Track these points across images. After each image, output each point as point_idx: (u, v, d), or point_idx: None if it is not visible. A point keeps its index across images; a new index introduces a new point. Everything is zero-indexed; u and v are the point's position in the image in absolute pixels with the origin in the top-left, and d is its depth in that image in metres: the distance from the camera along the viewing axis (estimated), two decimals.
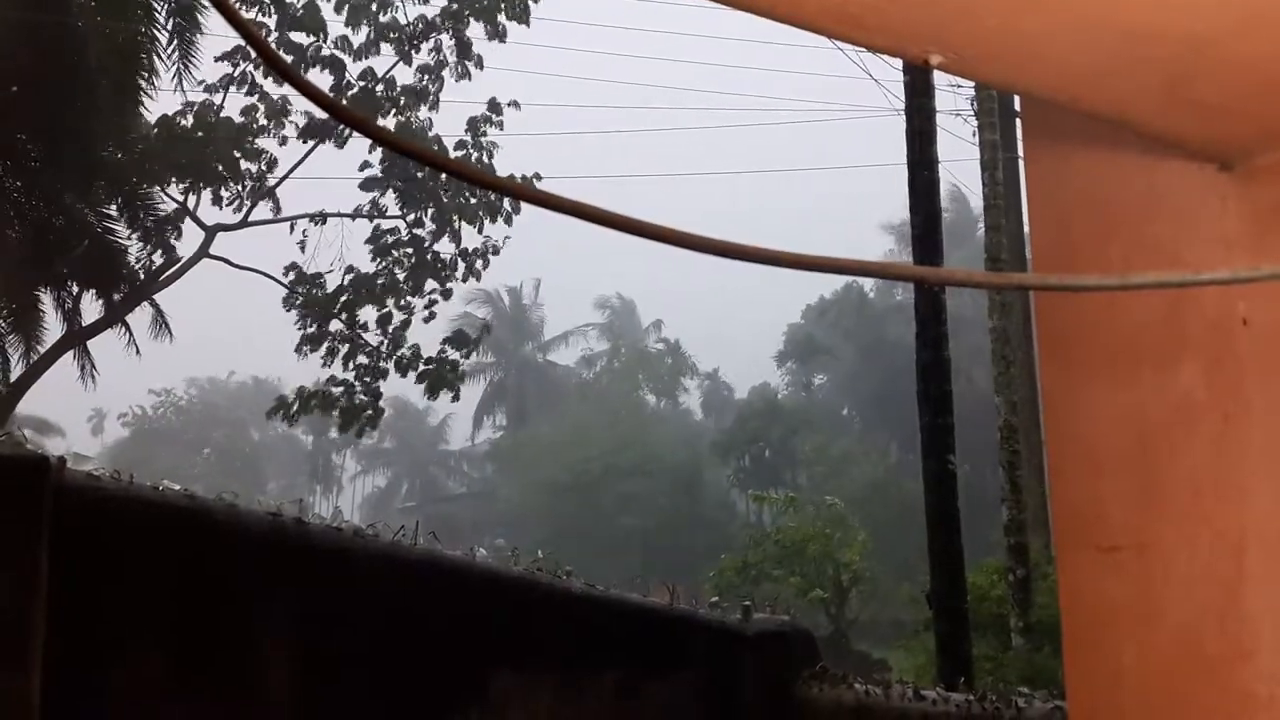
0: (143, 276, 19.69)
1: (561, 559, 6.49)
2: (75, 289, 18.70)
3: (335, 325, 21.09)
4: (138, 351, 20.38)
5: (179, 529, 4.44)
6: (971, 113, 16.50)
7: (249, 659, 4.53)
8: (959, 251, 41.43)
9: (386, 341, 21.10)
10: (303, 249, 21.06)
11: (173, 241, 19.81)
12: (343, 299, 20.97)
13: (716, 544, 35.62)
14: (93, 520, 4.18)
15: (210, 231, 20.74)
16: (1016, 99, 8.57)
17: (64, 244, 17.74)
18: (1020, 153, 13.96)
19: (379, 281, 21.19)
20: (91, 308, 19.17)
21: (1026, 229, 2.69)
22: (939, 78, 10.10)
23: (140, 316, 20.36)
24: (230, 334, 66.76)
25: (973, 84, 13.97)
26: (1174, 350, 2.10)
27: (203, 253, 20.70)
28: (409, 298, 21.32)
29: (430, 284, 21.50)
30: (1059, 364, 2.39)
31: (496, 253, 21.89)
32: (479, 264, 21.77)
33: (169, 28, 17.83)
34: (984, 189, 14.88)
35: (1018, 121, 14.51)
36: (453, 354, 21.65)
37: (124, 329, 20.04)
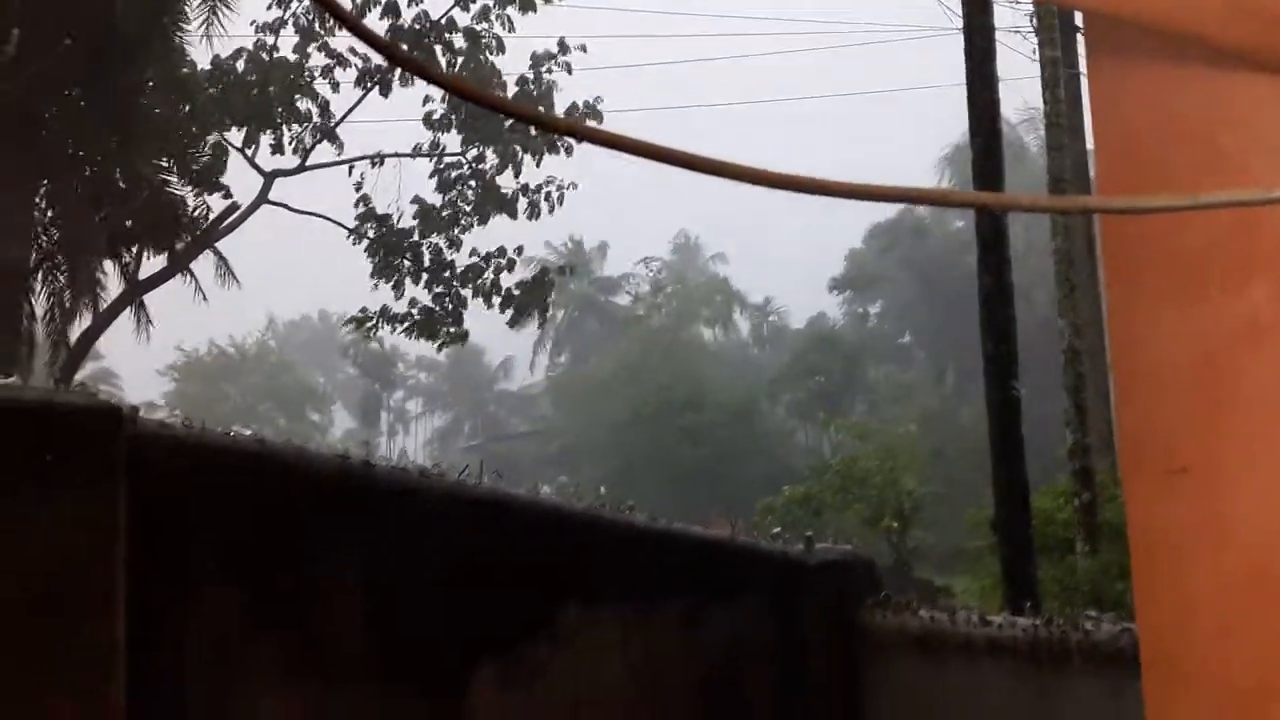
0: (203, 226, 19.96)
1: (623, 494, 6.57)
2: (136, 244, 19.01)
3: (405, 262, 21.24)
4: (205, 298, 20.77)
5: (250, 474, 4.55)
6: (1031, 29, 16.04)
7: (322, 599, 4.66)
8: (1020, 171, 40.60)
9: (463, 270, 21.26)
10: (358, 189, 21.15)
11: (230, 188, 20.02)
12: (413, 229, 21.10)
13: (777, 476, 35.69)
14: (166, 468, 4.30)
15: (269, 177, 20.90)
16: (1078, 14, 8.33)
17: (121, 198, 18.02)
18: (1083, 70, 13.57)
19: (444, 214, 21.32)
20: (153, 261, 19.53)
21: (1090, 147, 2.63)
22: None
23: (205, 266, 20.72)
24: (294, 277, 67.54)
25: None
26: (1242, 269, 2.06)
27: (262, 198, 20.89)
28: (477, 227, 21.44)
29: (496, 218, 21.58)
30: (1125, 285, 2.35)
31: (561, 201, 21.85)
32: (544, 205, 21.77)
33: None
34: (1046, 107, 14.51)
35: (1079, 37, 14.09)
36: (529, 283, 21.91)
37: (189, 277, 20.39)
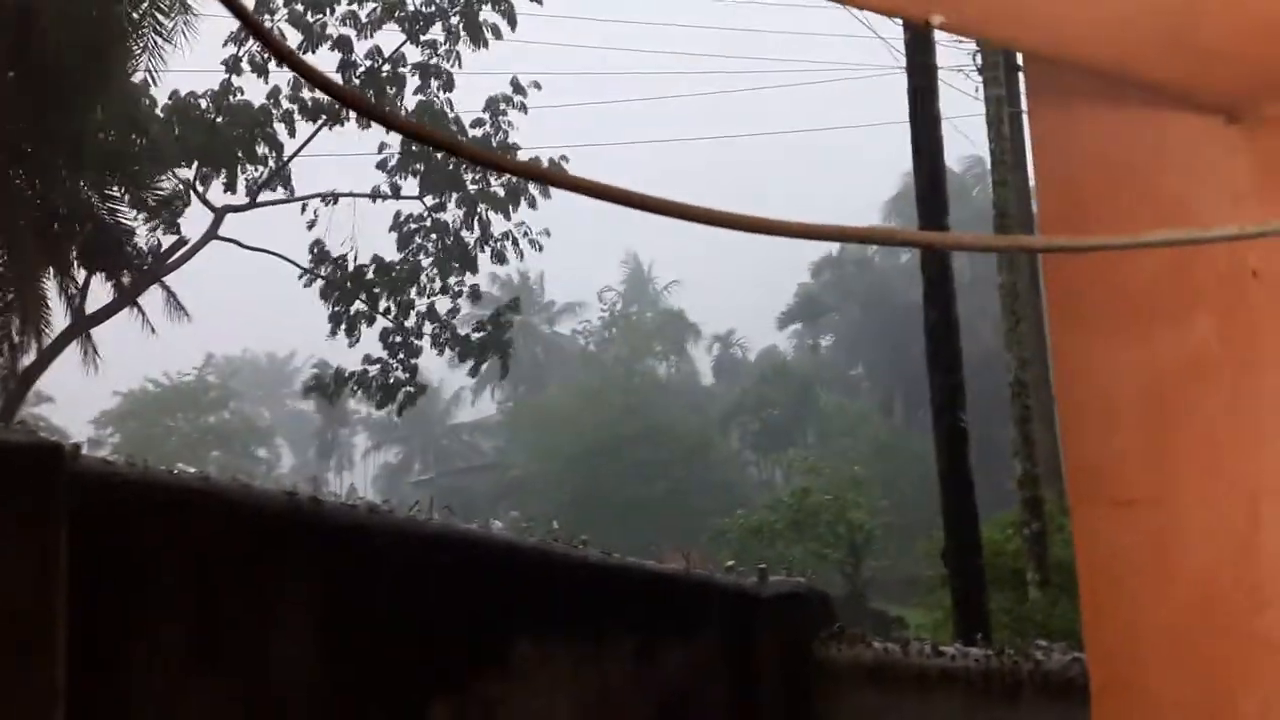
0: (151, 259, 19.70)
1: (576, 528, 6.53)
2: (83, 274, 18.72)
3: (359, 305, 21.14)
4: (153, 330, 20.47)
5: (195, 512, 4.46)
6: (975, 67, 16.35)
7: (268, 638, 4.57)
8: (965, 208, 41.27)
9: (417, 321, 21.23)
10: (310, 227, 21.02)
11: (180, 224, 19.82)
12: (365, 279, 21.00)
13: (731, 509, 35.72)
14: (108, 506, 4.21)
15: (219, 213, 20.71)
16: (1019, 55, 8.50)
17: (69, 229, 17.75)
18: (1025, 109, 13.83)
19: (403, 268, 21.22)
20: (101, 292, 19.23)
21: (1033, 183, 2.69)
22: (941, 33, 10.01)
23: (154, 300, 20.45)
24: (243, 313, 66.81)
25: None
26: (1185, 305, 2.10)
27: (212, 234, 20.69)
28: (435, 285, 21.37)
29: (458, 275, 21.57)
30: (1069, 321, 2.39)
31: (539, 248, 21.98)
32: (511, 252, 21.89)
33: (156, 6, 17.70)
34: (990, 145, 14.78)
35: (1022, 75, 14.39)
36: (488, 328, 21.84)
37: (136, 311, 20.10)
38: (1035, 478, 13.61)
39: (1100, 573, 2.29)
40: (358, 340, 20.97)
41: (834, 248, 52.28)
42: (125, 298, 19.52)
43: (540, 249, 22.11)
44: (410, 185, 21.66)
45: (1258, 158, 1.98)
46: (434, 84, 20.83)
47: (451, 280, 21.51)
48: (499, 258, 21.96)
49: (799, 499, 26.81)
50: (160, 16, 17.70)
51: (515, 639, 5.16)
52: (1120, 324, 2.22)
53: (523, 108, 21.48)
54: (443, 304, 21.58)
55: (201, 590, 4.43)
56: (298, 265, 21.28)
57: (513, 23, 20.36)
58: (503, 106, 21.41)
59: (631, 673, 5.51)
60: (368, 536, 4.97)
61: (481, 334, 21.84)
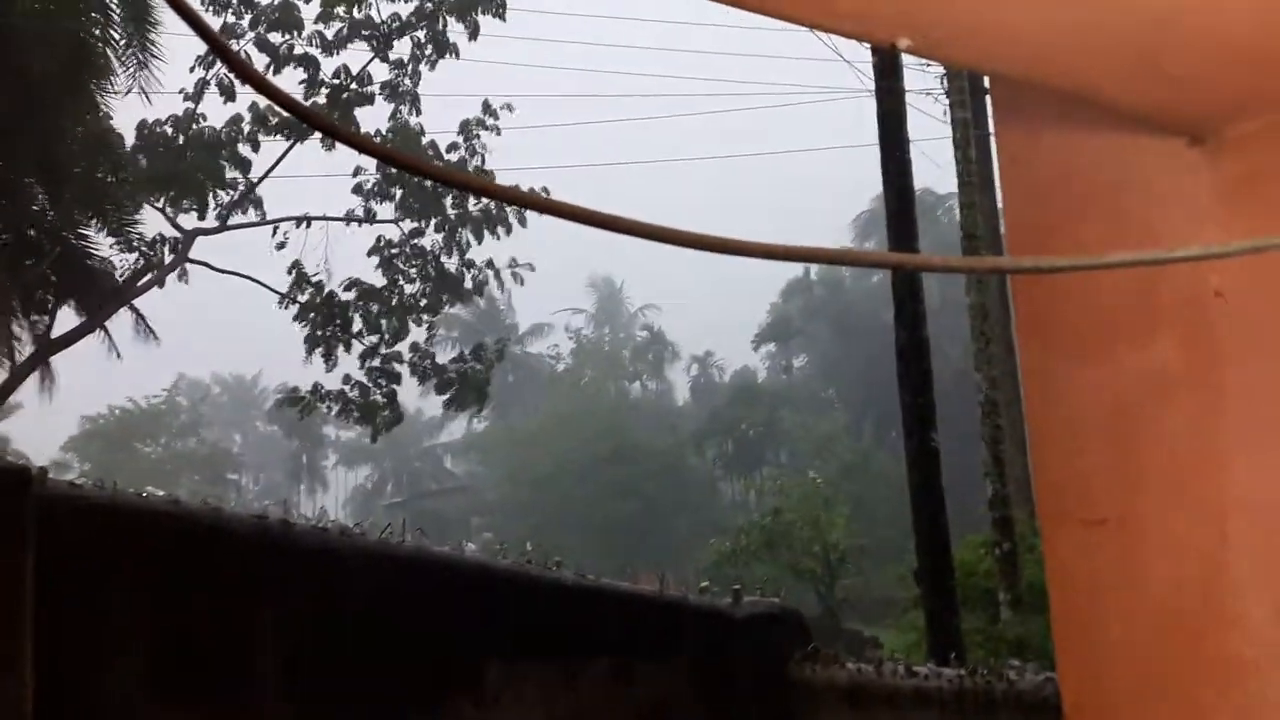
0: (120, 284, 19.55)
1: (549, 550, 6.51)
2: (51, 300, 18.55)
3: (337, 330, 21.01)
4: (118, 355, 20.29)
5: (164, 536, 4.41)
6: (942, 91, 16.53)
7: (240, 662, 4.52)
8: (933, 229, 41.64)
9: (393, 346, 21.14)
10: (280, 249, 20.91)
11: (150, 249, 19.67)
12: (344, 303, 20.86)
13: (704, 528, 35.72)
14: (77, 530, 4.15)
15: (189, 236, 20.58)
16: (986, 77, 8.59)
17: (36, 255, 17.59)
18: (992, 131, 13.97)
19: (386, 294, 21.12)
20: (68, 317, 19.05)
21: (1001, 204, 2.71)
22: (908, 57, 10.10)
23: (123, 325, 20.30)
24: (215, 337, 66.43)
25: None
26: (1149, 325, 2.12)
27: (182, 257, 20.54)
28: (422, 315, 21.32)
29: (446, 304, 21.58)
30: (1037, 341, 2.40)
31: (521, 282, 22.03)
32: (494, 284, 21.92)
33: (125, 30, 17.60)
34: (958, 167, 14.92)
35: (989, 98, 14.54)
36: (472, 364, 21.75)
37: (104, 336, 19.93)
38: (1006, 498, 13.68)
39: (1070, 592, 2.30)
40: (334, 365, 20.84)
41: (805, 269, 52.70)
42: (93, 322, 19.35)
43: (522, 282, 22.18)
44: (387, 210, 21.63)
45: (1220, 179, 2.01)
46: (404, 106, 20.83)
47: (441, 311, 21.56)
48: (479, 290, 22.01)
49: (772, 519, 26.82)
50: (133, 39, 17.61)
51: (488, 661, 5.13)
52: (1087, 344, 2.24)
53: (496, 130, 21.50)
54: (418, 331, 21.58)
55: (170, 614, 4.37)
56: (272, 289, 21.16)
57: (475, 35, 20.36)
58: (475, 131, 21.43)
59: (606, 695, 5.47)
60: (339, 559, 4.92)
61: (460, 366, 21.74)
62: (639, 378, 60.46)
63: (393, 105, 20.77)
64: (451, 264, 21.47)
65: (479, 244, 21.44)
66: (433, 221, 21.30)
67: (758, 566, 25.15)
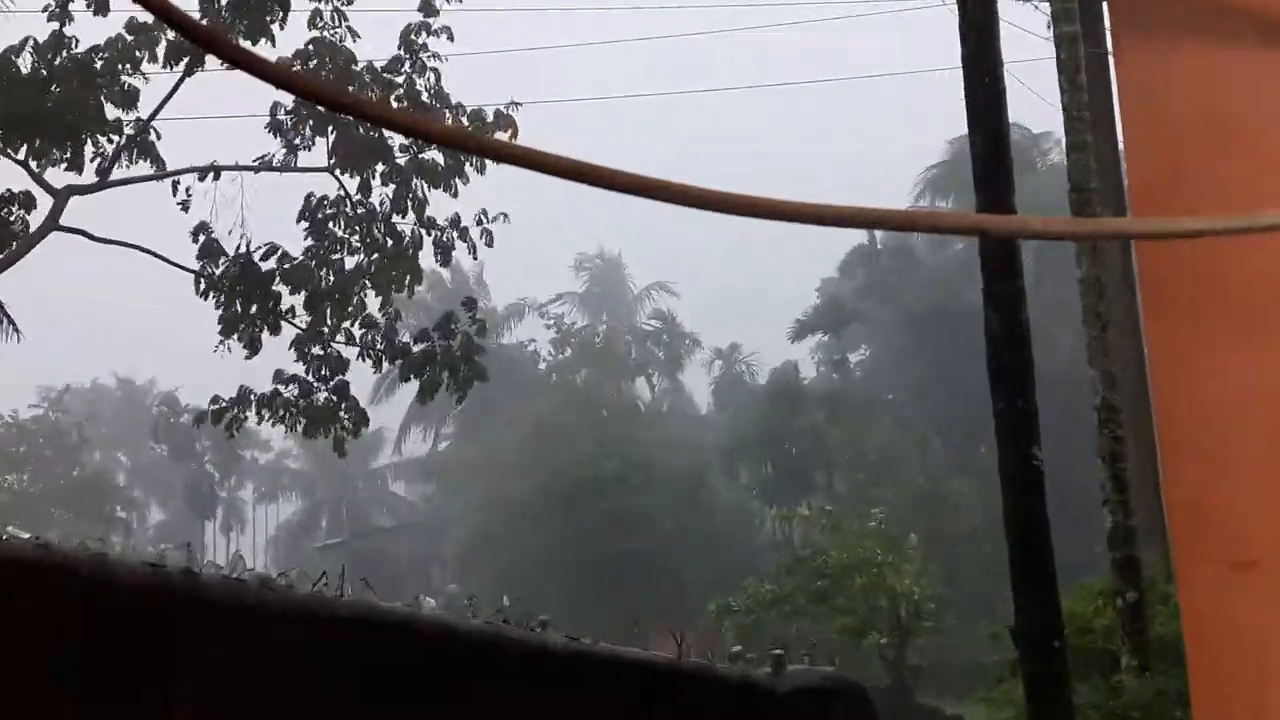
0: None
1: (533, 603, 6.51)
2: None
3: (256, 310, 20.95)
4: None
5: (28, 591, 4.42)
6: None
7: None
8: (1031, 180, 41.62)
9: (336, 324, 21.10)
10: (185, 209, 20.86)
11: (7, 214, 19.65)
12: (266, 275, 20.81)
13: (734, 574, 35.69)
14: None
15: (59, 196, 20.51)
16: None
17: None
18: (1110, 50, 13.94)
19: (317, 258, 21.08)
20: None
21: (1122, 147, 2.70)
22: None
23: None
24: (96, 329, 66.65)
25: None
26: None
27: (52, 224, 20.48)
28: (367, 289, 21.28)
29: (396, 280, 21.48)
30: (1169, 325, 2.39)
31: (490, 242, 21.84)
32: (459, 245, 21.78)
33: None
34: (1064, 98, 14.87)
35: (1105, 9, 14.49)
36: (441, 341, 21.59)
37: None
38: (1130, 532, 13.65)
39: (1214, 653, 2.28)
40: (257, 350, 20.75)
41: (868, 238, 52.59)
42: None
43: (491, 243, 21.99)
44: (317, 155, 21.60)
45: None
46: (326, 9, 20.79)
47: (401, 288, 21.47)
48: (444, 256, 21.90)
49: (823, 562, 26.83)
50: None
51: None
52: (1237, 328, 2.22)
53: (448, 35, 21.35)
54: (371, 303, 21.52)
55: (37, 690, 4.38)
56: (172, 263, 21.14)
57: None
58: (420, 39, 21.30)
59: None
60: (258, 619, 4.93)
61: (428, 347, 21.55)
62: (647, 377, 60.48)
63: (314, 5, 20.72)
64: (406, 226, 21.44)
65: (429, 202, 21.36)
66: (379, 171, 21.25)
67: (805, 624, 25.14)
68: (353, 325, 21.29)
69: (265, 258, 20.88)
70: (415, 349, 21.59)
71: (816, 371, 56.55)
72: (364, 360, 21.44)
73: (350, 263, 21.35)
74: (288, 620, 5.04)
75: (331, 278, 21.08)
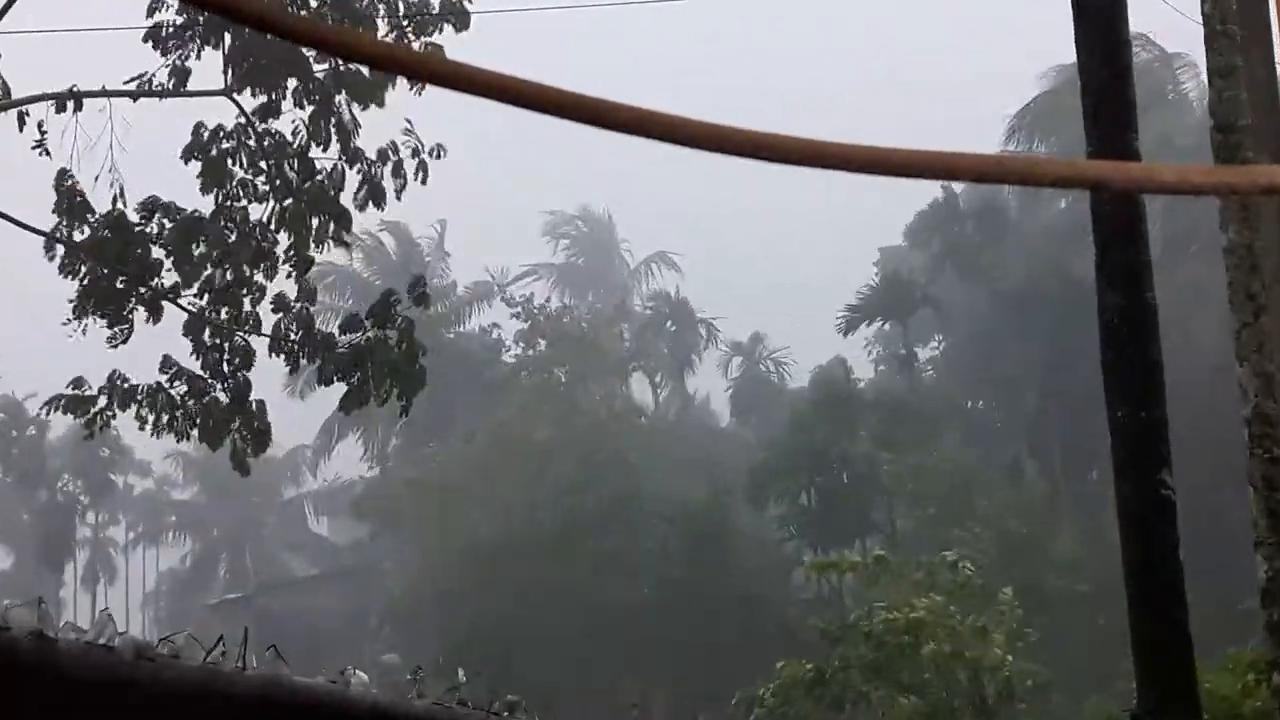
0: None
1: (497, 680, 6.51)
2: None
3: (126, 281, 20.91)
4: None
5: None
6: None
7: None
8: (1158, 116, 41.60)
9: (239, 306, 21.05)
10: (47, 153, 20.85)
11: None
12: (140, 235, 20.77)
13: (765, 637, 35.80)
14: None
15: None
16: None
17: None
18: None
19: (213, 219, 21.03)
20: None
21: None
22: None
23: None
24: None
25: None
26: None
27: None
28: (277, 252, 21.21)
29: (316, 233, 21.38)
30: None
31: (424, 174, 21.68)
32: (391, 182, 21.68)
33: None
34: (1203, 6, 14.92)
35: None
36: (376, 331, 21.39)
37: None
38: None
39: None
40: (126, 336, 20.67)
41: (944, 191, 52.38)
42: None
43: (425, 179, 21.83)
44: (209, 72, 21.55)
45: None
46: None
47: (313, 234, 21.35)
48: (374, 196, 21.73)
49: (885, 625, 26.86)
50: None
51: None
52: None
53: None
54: (275, 284, 21.45)
55: None
56: (10, 219, 21.18)
57: None
58: None
59: None
60: (135, 701, 4.94)
61: (357, 338, 21.43)
62: (647, 376, 60.50)
63: None
64: (326, 162, 21.41)
65: (360, 125, 21.35)
66: (289, 90, 21.19)
67: (861, 704, 25.20)
68: (257, 305, 21.23)
69: (144, 216, 20.87)
70: (341, 340, 21.52)
71: (875, 371, 56.66)
72: (275, 356, 21.40)
73: (255, 212, 21.27)
74: (171, 701, 5.05)
75: (232, 236, 21.02)
